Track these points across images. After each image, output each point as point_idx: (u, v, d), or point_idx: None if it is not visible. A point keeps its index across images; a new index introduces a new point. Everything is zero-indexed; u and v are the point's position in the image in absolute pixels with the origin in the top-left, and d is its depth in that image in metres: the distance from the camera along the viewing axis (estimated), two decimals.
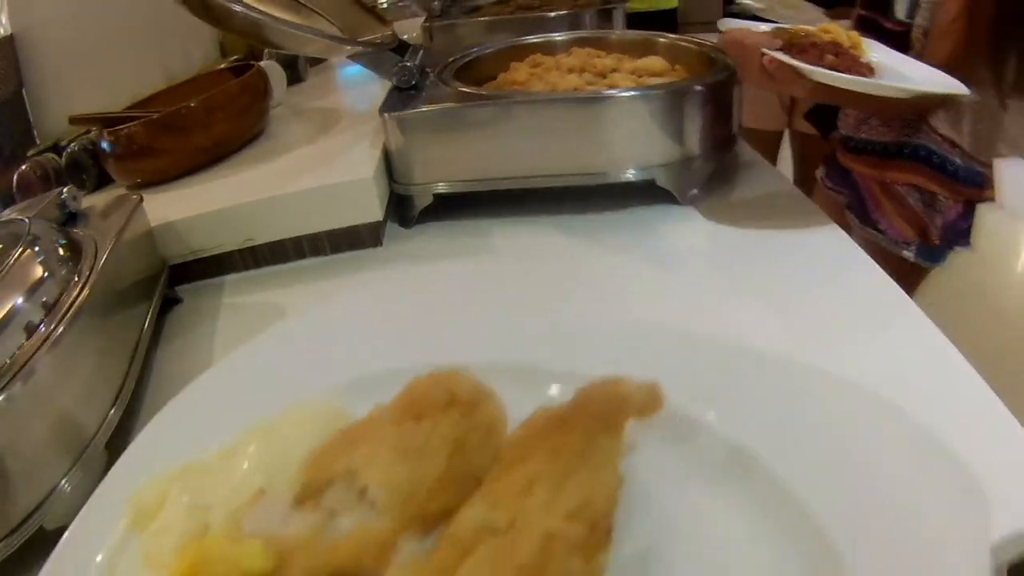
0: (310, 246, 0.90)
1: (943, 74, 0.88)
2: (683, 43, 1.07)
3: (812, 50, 0.86)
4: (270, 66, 1.19)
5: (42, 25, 1.10)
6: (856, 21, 1.24)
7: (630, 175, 0.89)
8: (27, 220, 0.70)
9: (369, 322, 0.63)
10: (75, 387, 0.57)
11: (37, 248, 0.66)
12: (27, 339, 0.55)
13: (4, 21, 1.03)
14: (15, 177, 0.96)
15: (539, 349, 0.55)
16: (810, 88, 0.82)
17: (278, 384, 0.56)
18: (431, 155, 0.92)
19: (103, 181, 1.00)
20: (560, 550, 0.38)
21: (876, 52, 0.92)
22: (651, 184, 0.90)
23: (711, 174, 0.93)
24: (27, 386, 0.51)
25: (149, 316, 0.74)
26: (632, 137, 0.88)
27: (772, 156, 1.65)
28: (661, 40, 1.09)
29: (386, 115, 0.91)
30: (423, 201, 0.95)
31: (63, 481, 0.54)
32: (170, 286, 0.85)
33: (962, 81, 0.88)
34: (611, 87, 0.95)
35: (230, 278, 0.87)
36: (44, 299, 0.60)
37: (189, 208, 0.87)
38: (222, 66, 1.24)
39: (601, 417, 0.44)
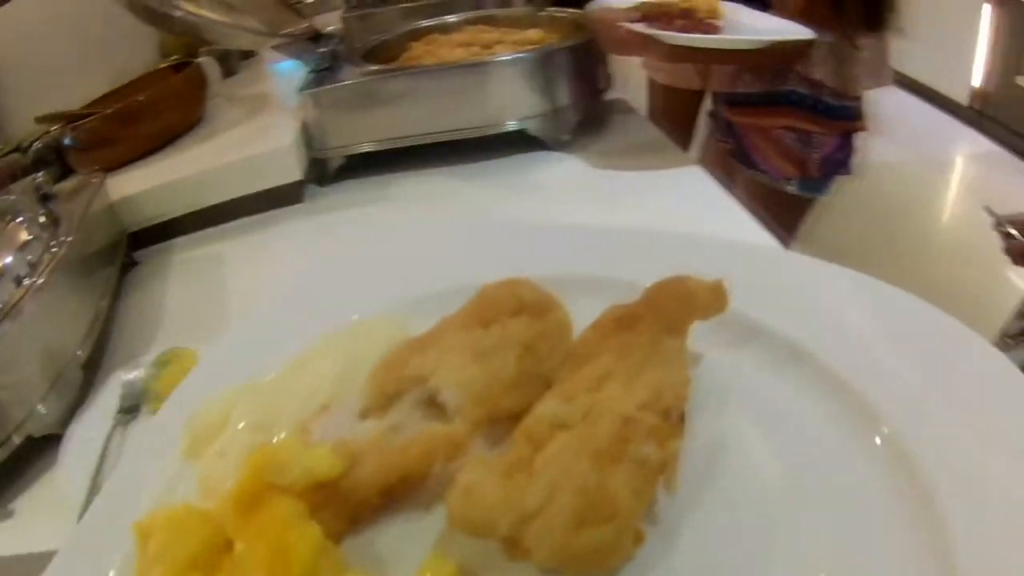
0: (244, 207, 1.06)
1: (790, 23, 0.98)
2: (559, 14, 1.24)
3: (664, 18, 0.99)
4: (207, 62, 1.34)
5: (3, 40, 1.24)
6: None
7: (506, 127, 1.07)
8: (13, 197, 0.87)
9: (428, 245, 0.66)
10: (54, 327, 0.70)
11: (22, 219, 0.84)
12: (15, 288, 0.69)
13: None
14: None
15: (599, 260, 0.56)
16: (666, 51, 0.94)
17: (340, 305, 0.57)
18: (340, 124, 1.10)
19: (65, 174, 1.14)
20: (635, 435, 0.38)
21: (738, 14, 1.03)
22: (528, 133, 1.07)
23: (579, 123, 1.10)
24: (15, 324, 0.64)
25: (113, 272, 0.90)
26: (504, 95, 1.05)
27: (694, 112, 1.81)
28: (541, 14, 1.27)
29: (303, 93, 1.09)
30: (336, 163, 1.13)
31: (43, 399, 0.65)
32: (132, 249, 1.00)
33: (816, 27, 0.98)
34: (488, 56, 1.13)
35: (179, 240, 1.04)
36: (29, 258, 0.75)
37: (142, 184, 1.03)
38: (163, 65, 1.39)
39: (668, 316, 0.44)
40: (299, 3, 1.96)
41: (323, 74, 1.13)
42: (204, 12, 1.04)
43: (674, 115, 1.73)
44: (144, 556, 0.41)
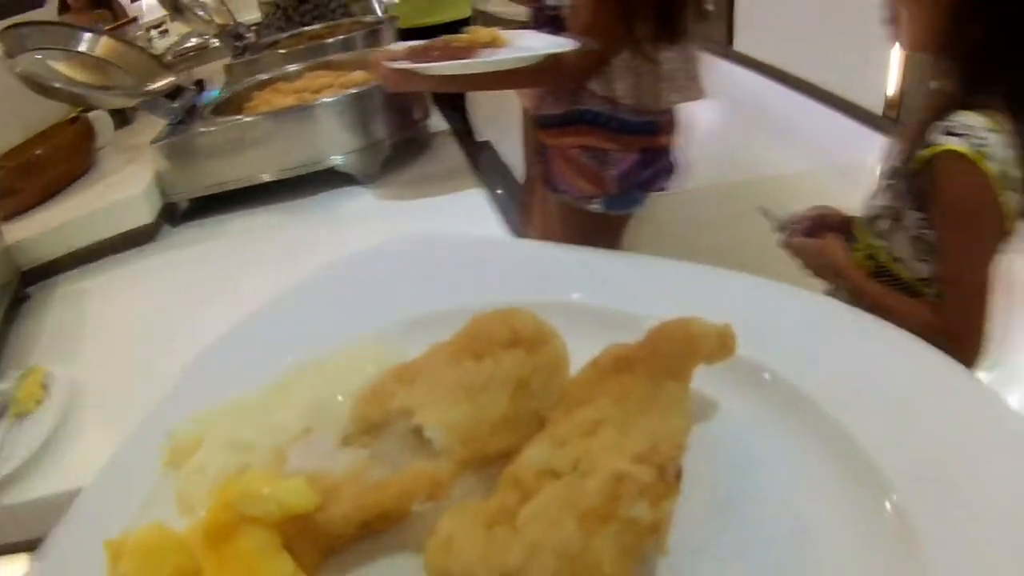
0: (112, 246, 1.18)
1: (551, 38, 1.08)
2: None
3: (424, 52, 1.07)
4: (97, 116, 1.48)
5: None
6: (531, 13, 1.41)
7: (320, 165, 1.21)
8: None
9: (421, 264, 0.62)
10: None
11: None
12: None
13: None
14: None
15: (598, 289, 0.54)
16: (429, 82, 1.08)
17: (328, 324, 0.54)
18: (185, 171, 1.24)
19: None
20: (627, 493, 0.36)
21: (522, 38, 1.10)
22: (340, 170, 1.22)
23: (392, 156, 1.24)
24: None
25: (4, 303, 1.02)
26: (317, 136, 1.20)
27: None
28: (371, 56, 1.35)
29: (154, 145, 1.23)
30: (184, 205, 1.27)
31: None
32: (24, 284, 1.12)
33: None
34: (308, 101, 1.26)
35: (62, 276, 1.16)
36: None
37: (32, 229, 1.16)
38: (70, 116, 1.51)
39: (670, 360, 0.42)
40: (184, 55, 2.15)
41: (177, 127, 1.27)
42: (80, 78, 1.27)
43: (528, 137, 1.75)
44: None
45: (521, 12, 1.88)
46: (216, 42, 2.06)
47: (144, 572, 0.39)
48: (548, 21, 1.30)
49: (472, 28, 1.09)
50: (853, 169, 3.28)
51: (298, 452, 0.43)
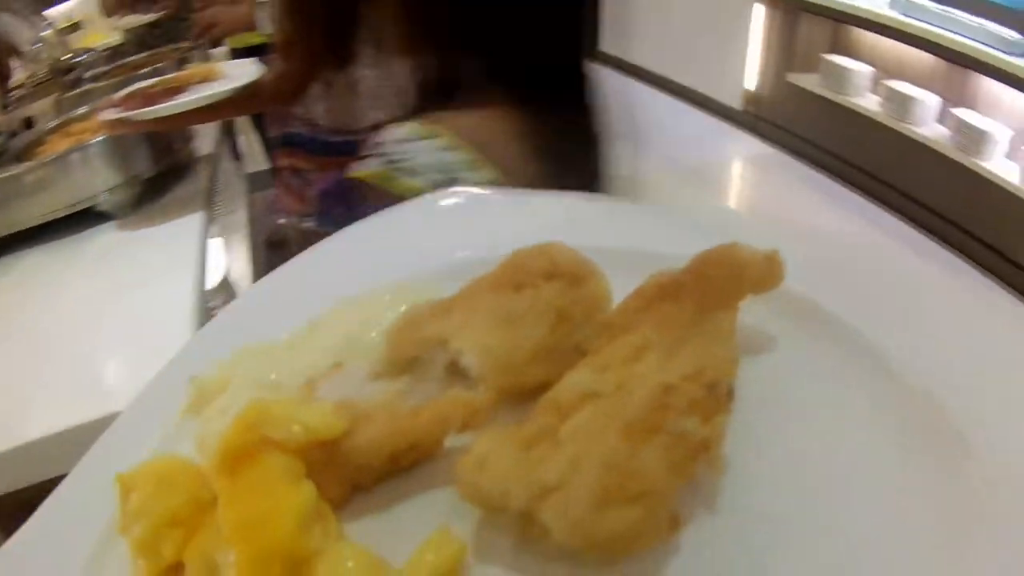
0: None
1: (247, 68, 1.18)
2: None
3: (142, 95, 1.16)
4: None
5: None
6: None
7: (78, 207, 1.26)
8: None
9: (462, 215, 0.61)
10: None
11: None
12: None
13: None
14: None
15: (639, 234, 0.52)
16: (146, 124, 1.12)
17: (364, 270, 0.53)
18: None
19: None
20: (676, 405, 0.34)
21: (238, 68, 1.20)
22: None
23: (147, 191, 1.31)
24: None
25: None
26: (76, 178, 1.25)
27: None
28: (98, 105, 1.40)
29: None
30: None
31: None
32: None
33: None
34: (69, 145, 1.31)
35: None
36: None
37: None
38: None
39: (717, 286, 0.40)
40: (12, 91, 2.16)
41: None
42: None
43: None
44: (125, 510, 0.37)
45: None
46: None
47: (156, 502, 0.37)
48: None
49: (192, 64, 1.16)
50: (709, 169, 3.37)
51: (328, 386, 0.41)
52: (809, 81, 3.31)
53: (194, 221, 1.22)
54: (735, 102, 3.69)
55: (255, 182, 1.54)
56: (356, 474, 0.38)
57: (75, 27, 2.25)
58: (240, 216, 1.23)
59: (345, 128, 1.27)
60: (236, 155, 2.04)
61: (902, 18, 2.86)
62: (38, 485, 0.73)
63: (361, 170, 0.89)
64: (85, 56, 2.08)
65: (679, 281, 0.41)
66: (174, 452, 0.42)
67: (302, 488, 0.36)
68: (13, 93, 2.04)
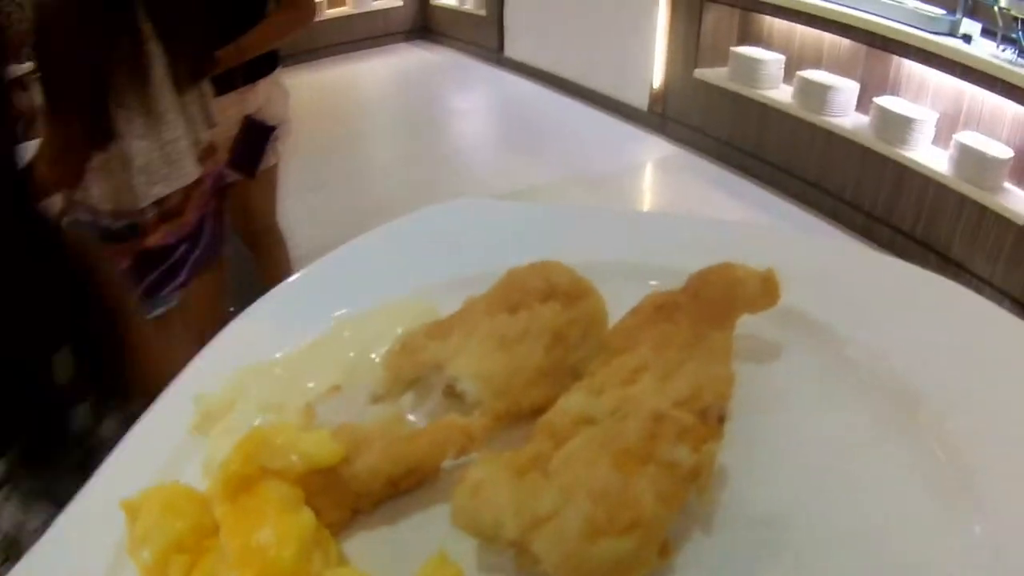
0: None
1: None
2: None
3: None
4: None
5: None
6: None
7: None
8: None
9: (460, 228, 0.61)
10: None
11: None
12: None
13: None
14: None
15: (639, 245, 0.52)
16: None
17: (364, 289, 0.53)
18: None
19: None
20: (667, 434, 0.34)
21: None
22: None
23: None
24: None
25: None
26: None
27: None
28: None
29: None
30: None
31: None
32: None
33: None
34: None
35: None
36: None
37: None
38: None
39: (713, 306, 0.40)
40: None
41: None
42: None
43: None
44: (133, 535, 0.38)
45: None
46: None
47: (161, 528, 0.38)
48: None
49: None
50: (612, 173, 3.31)
51: (327, 409, 0.41)
52: (718, 76, 3.15)
53: None
54: (642, 102, 3.60)
55: None
56: (356, 499, 0.39)
57: None
58: None
59: (126, 211, 1.20)
60: None
61: (815, 1, 2.67)
62: None
63: None
64: None
65: (675, 301, 0.41)
66: (181, 471, 0.43)
67: (301, 515, 0.36)
68: None
